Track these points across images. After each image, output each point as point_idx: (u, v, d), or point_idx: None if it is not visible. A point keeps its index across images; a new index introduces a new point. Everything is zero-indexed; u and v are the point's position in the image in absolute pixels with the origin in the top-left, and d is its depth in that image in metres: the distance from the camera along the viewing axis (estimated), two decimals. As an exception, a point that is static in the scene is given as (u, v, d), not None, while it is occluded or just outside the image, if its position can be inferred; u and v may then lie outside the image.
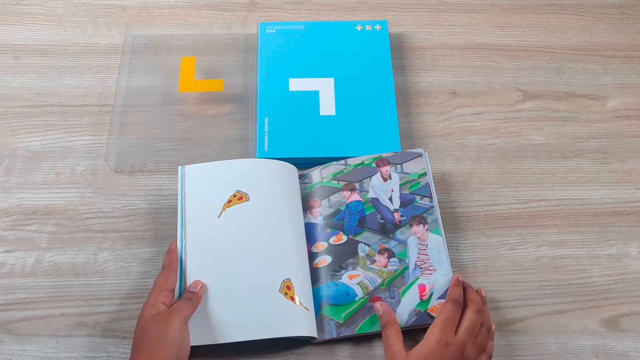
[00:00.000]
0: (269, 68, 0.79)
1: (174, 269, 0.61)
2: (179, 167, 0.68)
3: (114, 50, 0.82)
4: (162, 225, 0.69)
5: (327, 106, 0.76)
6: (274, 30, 0.82)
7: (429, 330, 0.57)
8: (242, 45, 0.83)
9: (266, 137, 0.73)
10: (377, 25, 0.82)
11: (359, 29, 0.82)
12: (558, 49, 0.85)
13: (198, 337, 0.58)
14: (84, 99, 0.78)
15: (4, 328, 0.63)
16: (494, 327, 0.61)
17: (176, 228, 0.64)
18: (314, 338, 0.61)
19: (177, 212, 0.65)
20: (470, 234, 0.70)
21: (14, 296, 0.65)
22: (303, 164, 0.72)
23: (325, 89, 0.77)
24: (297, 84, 0.78)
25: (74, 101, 0.78)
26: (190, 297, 0.58)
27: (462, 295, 0.60)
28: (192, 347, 0.57)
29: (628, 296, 0.66)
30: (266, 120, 0.75)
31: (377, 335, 0.62)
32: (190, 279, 0.61)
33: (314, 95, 0.77)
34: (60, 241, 0.68)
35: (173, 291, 0.60)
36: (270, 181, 0.67)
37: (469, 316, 0.58)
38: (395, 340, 0.57)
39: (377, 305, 0.60)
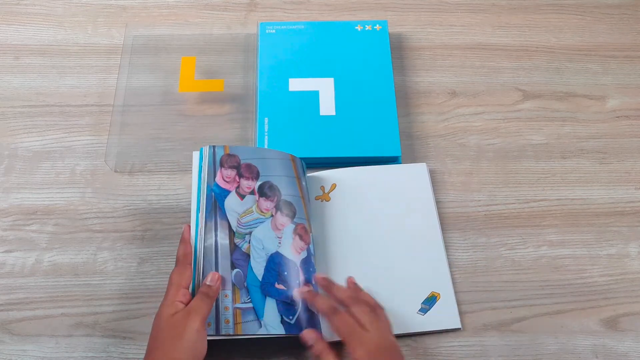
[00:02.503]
0: (269, 68, 0.79)
1: (189, 262, 0.59)
2: (199, 151, 0.65)
3: (114, 50, 0.82)
4: (162, 225, 0.69)
5: (327, 106, 0.76)
6: (274, 30, 0.82)
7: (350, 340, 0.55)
8: (242, 45, 0.83)
9: (266, 137, 0.73)
10: (377, 25, 0.82)
11: (359, 29, 0.82)
12: (558, 49, 0.85)
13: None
14: (84, 99, 0.78)
15: (4, 328, 0.63)
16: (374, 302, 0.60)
17: (177, 227, 0.63)
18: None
19: (177, 211, 0.64)
20: (470, 234, 0.70)
21: (13, 296, 0.65)
22: (303, 164, 0.72)
23: (325, 89, 0.77)
24: (297, 84, 0.77)
25: (74, 101, 0.78)
26: (207, 293, 0.56)
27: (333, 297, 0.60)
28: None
29: (628, 296, 0.66)
30: (266, 120, 0.75)
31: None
32: (206, 270, 0.59)
33: (314, 95, 0.77)
34: (60, 241, 0.68)
35: (189, 287, 0.58)
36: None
37: (358, 311, 0.57)
38: None
39: (304, 336, 0.58)
